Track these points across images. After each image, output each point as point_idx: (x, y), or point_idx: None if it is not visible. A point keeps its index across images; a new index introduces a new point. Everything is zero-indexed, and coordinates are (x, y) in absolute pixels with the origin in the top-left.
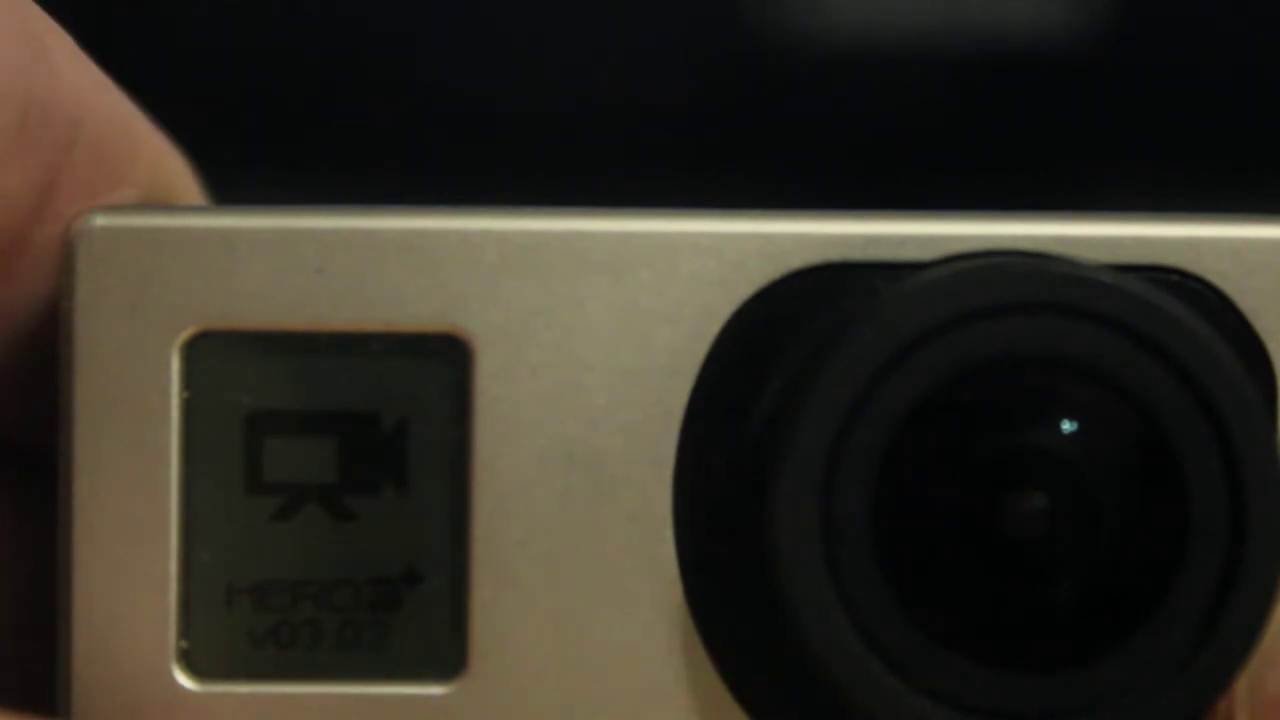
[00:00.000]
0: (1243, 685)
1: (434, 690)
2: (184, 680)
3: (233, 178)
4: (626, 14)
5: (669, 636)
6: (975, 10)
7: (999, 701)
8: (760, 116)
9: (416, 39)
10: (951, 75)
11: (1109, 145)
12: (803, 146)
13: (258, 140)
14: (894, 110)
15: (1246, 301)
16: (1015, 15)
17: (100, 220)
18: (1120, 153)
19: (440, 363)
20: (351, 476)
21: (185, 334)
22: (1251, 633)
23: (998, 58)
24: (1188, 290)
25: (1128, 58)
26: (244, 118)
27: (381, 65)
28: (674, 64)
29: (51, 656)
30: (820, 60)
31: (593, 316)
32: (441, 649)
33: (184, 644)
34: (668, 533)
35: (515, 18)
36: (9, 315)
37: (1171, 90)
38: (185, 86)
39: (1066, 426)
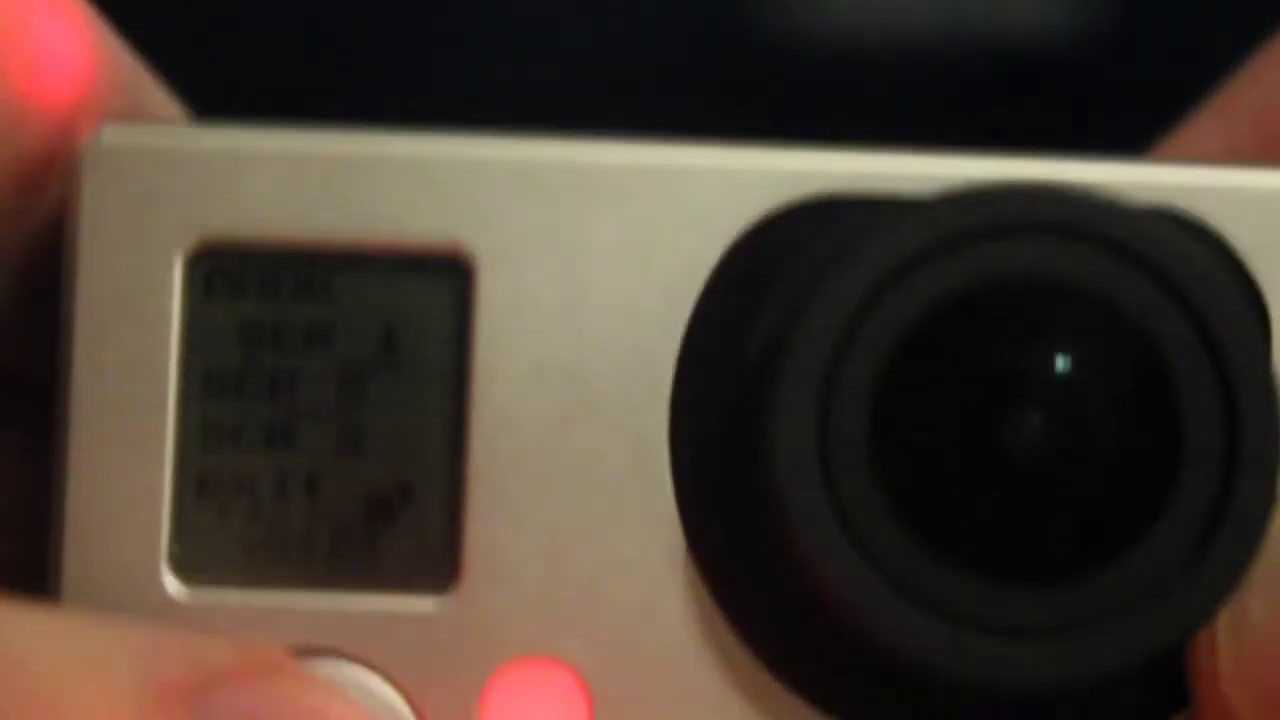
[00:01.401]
0: (1225, 613)
1: (426, 602)
2: (175, 586)
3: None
4: (626, 14)
5: (662, 556)
6: (975, 10)
7: (993, 616)
8: (760, 116)
9: (416, 38)
10: (951, 75)
11: (1109, 145)
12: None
13: (247, 93)
14: (894, 110)
15: (1243, 244)
16: (1015, 15)
17: (109, 136)
18: (1120, 153)
19: (442, 282)
20: (350, 392)
21: (189, 248)
22: (1245, 552)
23: (998, 58)
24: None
25: (1128, 58)
26: (231, 74)
27: (377, 64)
28: (674, 64)
29: (44, 563)
30: (820, 60)
31: (594, 241)
32: (434, 563)
33: (176, 550)
34: (663, 455)
35: (515, 18)
36: (23, 244)
37: (1172, 90)
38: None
39: (1063, 349)
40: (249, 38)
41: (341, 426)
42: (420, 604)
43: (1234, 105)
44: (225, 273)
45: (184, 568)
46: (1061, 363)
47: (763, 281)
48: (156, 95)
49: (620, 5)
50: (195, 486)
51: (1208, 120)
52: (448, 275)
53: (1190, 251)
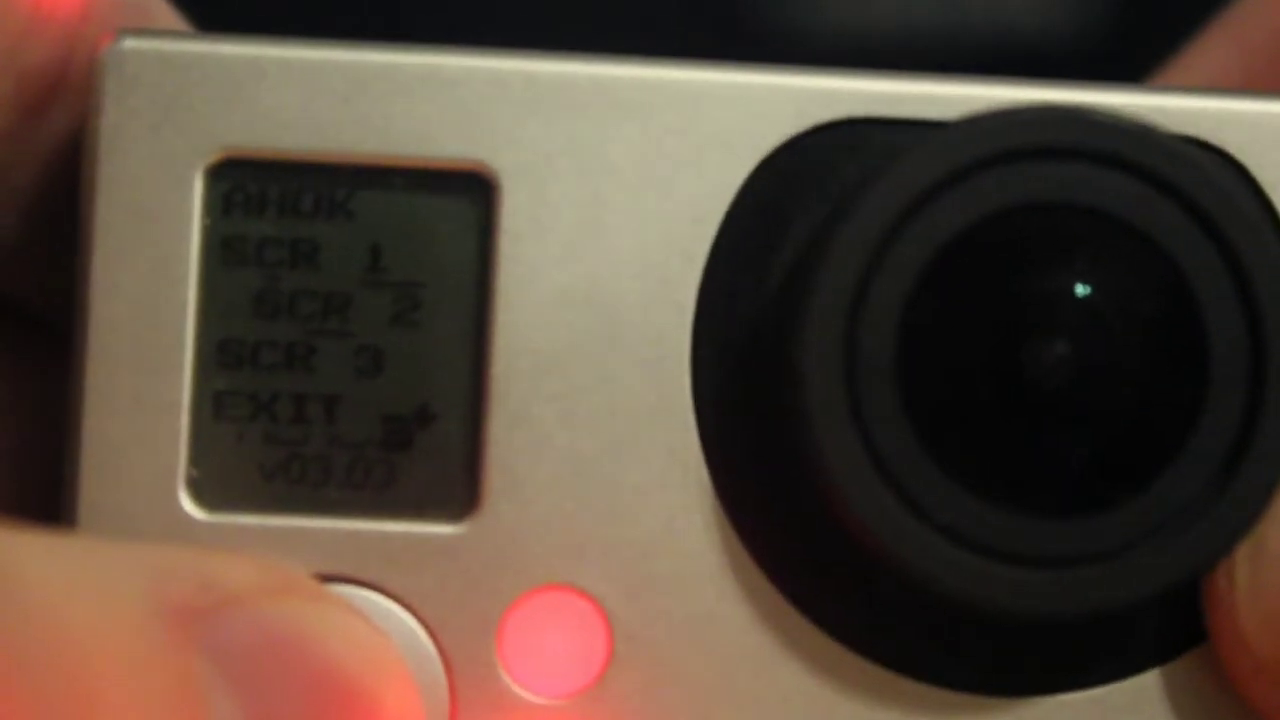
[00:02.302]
0: (1245, 544)
1: (444, 529)
2: (192, 509)
3: None
4: (625, 14)
5: (683, 483)
6: (975, 10)
7: (1016, 544)
8: None
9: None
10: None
11: None
12: None
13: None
14: None
15: (1265, 175)
16: (1015, 15)
17: (129, 43)
18: None
19: (464, 199)
20: (369, 311)
21: (210, 159)
22: (1269, 482)
23: (998, 58)
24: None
25: (1128, 58)
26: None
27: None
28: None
29: (58, 488)
30: (819, 60)
31: (618, 159)
32: (453, 488)
33: (194, 473)
34: (685, 378)
35: (513, 19)
36: (30, 170)
37: None
38: None
39: (1091, 275)
40: None
41: (361, 348)
42: (439, 530)
43: (1248, 25)
44: (245, 189)
45: (201, 492)
46: (1088, 289)
47: (788, 204)
48: (163, 13)
49: (619, 3)
50: (213, 408)
51: (1217, 41)
52: (471, 191)
53: (1219, 180)
